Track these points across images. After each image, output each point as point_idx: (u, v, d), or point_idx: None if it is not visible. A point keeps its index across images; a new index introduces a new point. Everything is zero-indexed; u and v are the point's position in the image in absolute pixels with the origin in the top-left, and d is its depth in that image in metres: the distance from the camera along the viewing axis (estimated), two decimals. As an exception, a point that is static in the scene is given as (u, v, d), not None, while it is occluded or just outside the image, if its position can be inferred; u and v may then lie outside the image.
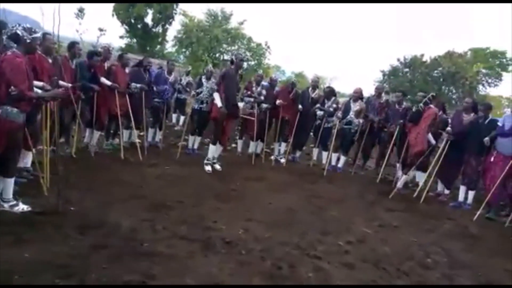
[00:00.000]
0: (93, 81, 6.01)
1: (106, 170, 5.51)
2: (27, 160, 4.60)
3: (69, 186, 4.47)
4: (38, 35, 3.76)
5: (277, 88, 8.32)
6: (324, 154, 7.94)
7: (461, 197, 6.23)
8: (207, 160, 6.41)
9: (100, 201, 4.25)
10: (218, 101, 6.09)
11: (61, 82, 5.16)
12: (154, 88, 7.26)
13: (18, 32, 3.53)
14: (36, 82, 4.00)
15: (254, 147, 7.83)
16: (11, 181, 3.65)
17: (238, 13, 24.40)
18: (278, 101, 7.61)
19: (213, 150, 6.44)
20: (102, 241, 3.31)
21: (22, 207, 3.70)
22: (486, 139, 5.72)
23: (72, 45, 5.78)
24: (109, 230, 3.54)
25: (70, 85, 5.36)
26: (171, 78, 7.90)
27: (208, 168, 6.35)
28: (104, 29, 17.20)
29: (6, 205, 3.57)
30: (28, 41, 3.58)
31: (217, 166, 6.54)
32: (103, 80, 6.20)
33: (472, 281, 3.56)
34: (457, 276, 3.61)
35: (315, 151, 8.18)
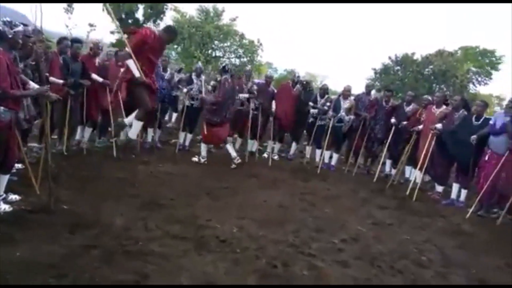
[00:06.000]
0: (83, 76, 5.92)
1: (98, 168, 5.43)
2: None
3: (60, 184, 4.42)
4: (20, 28, 3.65)
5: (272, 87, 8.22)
6: (318, 152, 7.95)
7: (453, 195, 6.27)
8: None
9: (92, 200, 4.20)
10: None
11: (52, 79, 5.09)
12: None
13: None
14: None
15: (250, 145, 7.81)
16: None
17: (230, 10, 24.33)
18: None
19: None
20: (94, 240, 3.27)
21: (3, 207, 3.60)
22: (473, 137, 5.75)
23: (60, 41, 5.71)
24: (102, 229, 3.49)
25: (61, 81, 5.29)
26: (167, 75, 7.74)
27: None
28: (94, 25, 16.94)
29: None
30: (10, 36, 3.47)
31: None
32: (95, 76, 6.12)
33: (465, 278, 3.58)
34: (450, 274, 3.63)
35: (308, 149, 8.19)
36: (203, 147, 6.77)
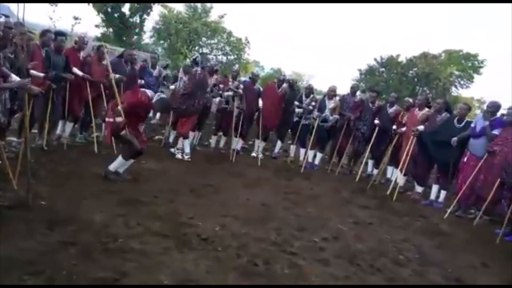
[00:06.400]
0: (66, 70, 5.82)
1: (78, 164, 5.35)
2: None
3: (39, 179, 4.34)
4: (1, 19, 3.63)
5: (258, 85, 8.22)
6: (302, 151, 8.00)
7: (433, 196, 6.38)
8: None
9: (71, 196, 4.12)
10: None
11: (32, 72, 4.99)
12: (139, 82, 7.10)
13: None
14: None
15: (235, 144, 7.81)
16: None
17: (218, 7, 24.25)
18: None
19: None
20: (72, 237, 3.21)
21: None
22: (454, 139, 5.86)
23: (44, 33, 5.59)
24: (81, 226, 3.43)
25: (42, 75, 5.20)
26: (155, 72, 7.72)
27: None
28: (79, 18, 16.71)
29: None
30: None
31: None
32: (76, 70, 6.02)
33: (442, 277, 3.66)
34: (427, 272, 3.70)
35: (293, 148, 8.23)
36: (187, 144, 6.73)
